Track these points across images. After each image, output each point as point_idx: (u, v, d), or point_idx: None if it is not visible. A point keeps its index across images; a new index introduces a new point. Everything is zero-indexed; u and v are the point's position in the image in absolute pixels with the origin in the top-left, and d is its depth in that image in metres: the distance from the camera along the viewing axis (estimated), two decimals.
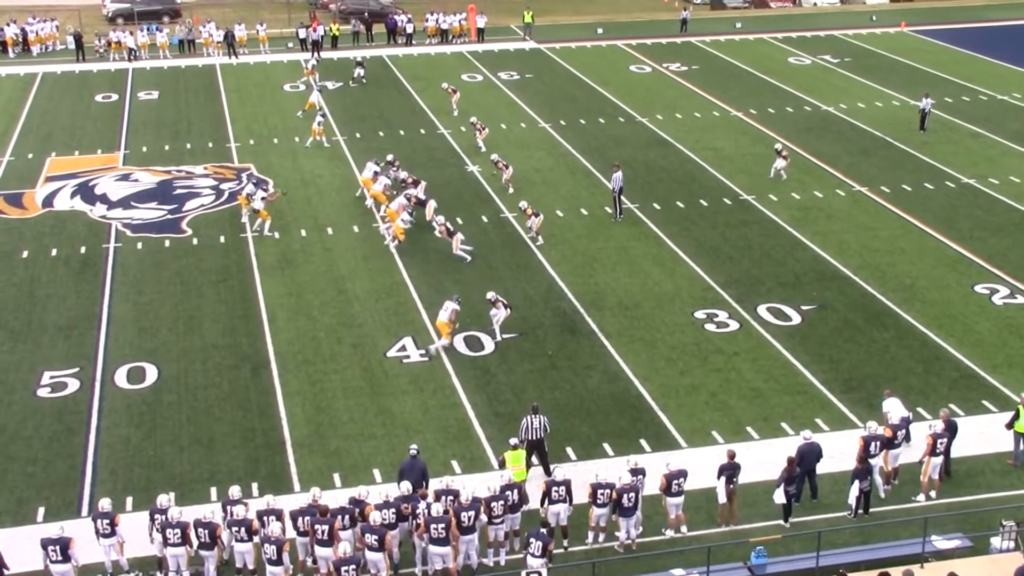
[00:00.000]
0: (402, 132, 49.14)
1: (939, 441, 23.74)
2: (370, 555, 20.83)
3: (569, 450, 25.67)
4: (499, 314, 30.52)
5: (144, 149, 47.20)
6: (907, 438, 24.66)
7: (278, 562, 20.53)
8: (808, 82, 57.94)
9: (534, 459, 24.44)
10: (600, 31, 70.76)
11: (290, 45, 65.83)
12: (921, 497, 23.98)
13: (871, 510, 23.45)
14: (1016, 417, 25.09)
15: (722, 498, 22.92)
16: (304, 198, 41.10)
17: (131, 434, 26.33)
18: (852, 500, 23.22)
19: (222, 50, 63.74)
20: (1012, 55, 63.36)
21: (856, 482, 23.06)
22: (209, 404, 27.62)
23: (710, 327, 31.51)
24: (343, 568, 19.91)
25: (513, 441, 23.84)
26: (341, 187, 42.10)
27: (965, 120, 50.59)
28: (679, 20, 71.30)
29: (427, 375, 28.94)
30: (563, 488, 22.19)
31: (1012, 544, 21.80)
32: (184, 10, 75.22)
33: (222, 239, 37.49)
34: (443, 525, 20.88)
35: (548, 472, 23.82)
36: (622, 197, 39.14)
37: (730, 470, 22.85)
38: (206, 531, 20.87)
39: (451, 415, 27.21)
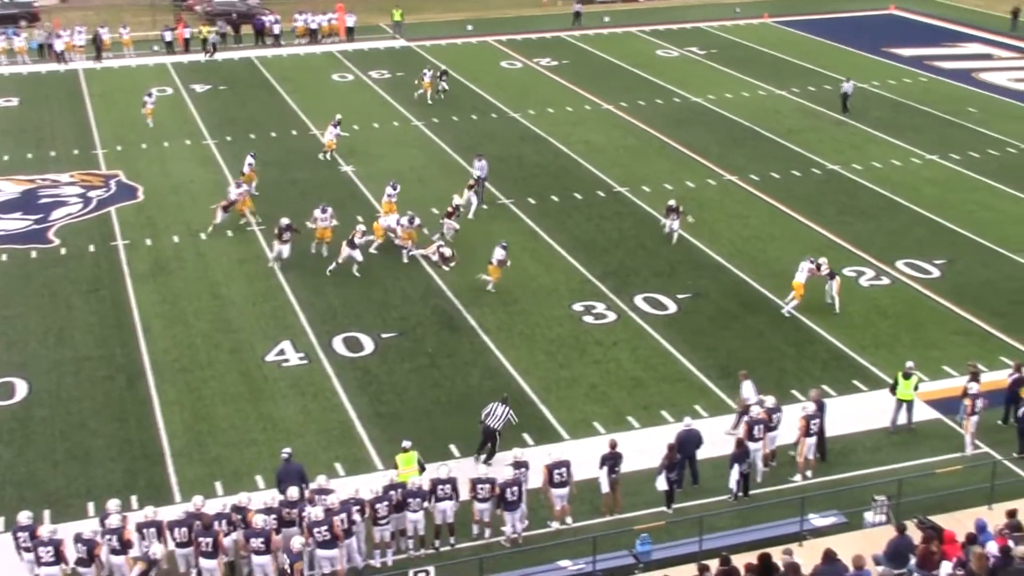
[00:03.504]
0: (273, 134, 48.52)
1: (812, 422, 24.35)
2: (256, 559, 20.57)
3: (452, 447, 25.68)
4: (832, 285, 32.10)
5: (5, 158, 45.77)
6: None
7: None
8: (676, 74, 58.77)
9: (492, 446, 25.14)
10: (470, 28, 70.83)
11: (155, 48, 64.49)
12: (798, 477, 24.56)
13: (750, 492, 23.95)
14: (896, 384, 25.99)
15: (605, 488, 23.17)
16: (175, 203, 40.31)
17: (1, 452, 25.56)
18: (733, 484, 23.67)
19: (85, 54, 62.08)
20: (869, 45, 65.13)
21: (736, 466, 23.51)
22: (83, 417, 26.96)
23: (588, 319, 31.82)
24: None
25: (406, 444, 23.66)
26: (213, 191, 41.35)
27: (829, 108, 51.80)
28: (572, 13, 71.59)
29: (307, 378, 28.68)
30: (448, 486, 22.18)
31: (884, 518, 22.51)
32: (43, 13, 73.14)
33: (91, 248, 36.58)
34: (326, 527, 20.72)
35: (487, 464, 24.62)
36: (486, 184, 39.23)
37: (612, 460, 23.12)
38: (85, 547, 20.36)
39: (333, 417, 27.02)
